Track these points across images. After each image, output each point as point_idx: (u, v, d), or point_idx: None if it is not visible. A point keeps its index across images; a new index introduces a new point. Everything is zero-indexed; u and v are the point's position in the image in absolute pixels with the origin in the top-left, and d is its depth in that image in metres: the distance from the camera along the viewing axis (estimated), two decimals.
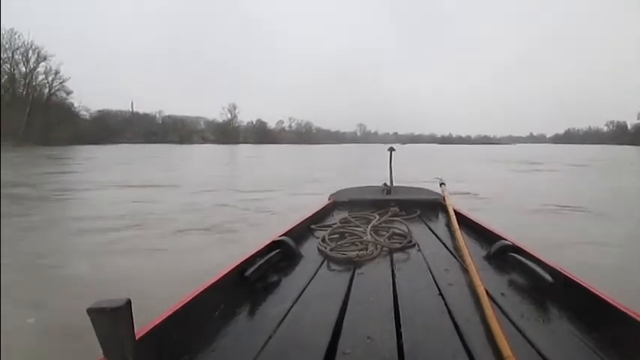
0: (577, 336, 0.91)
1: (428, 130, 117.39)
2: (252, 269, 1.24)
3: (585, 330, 0.93)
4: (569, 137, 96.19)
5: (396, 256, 1.55)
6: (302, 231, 1.92)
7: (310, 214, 2.17)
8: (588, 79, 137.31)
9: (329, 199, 2.73)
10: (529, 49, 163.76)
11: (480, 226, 1.87)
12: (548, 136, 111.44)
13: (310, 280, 1.28)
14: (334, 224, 1.95)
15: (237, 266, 1.23)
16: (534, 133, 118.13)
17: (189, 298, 0.97)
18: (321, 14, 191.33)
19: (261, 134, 77.39)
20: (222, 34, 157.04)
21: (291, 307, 1.07)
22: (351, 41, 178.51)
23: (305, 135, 79.90)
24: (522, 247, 1.42)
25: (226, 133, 74.60)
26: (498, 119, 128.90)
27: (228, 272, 1.17)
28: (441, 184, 2.80)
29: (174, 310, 0.91)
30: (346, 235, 1.77)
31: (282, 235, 1.58)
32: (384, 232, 1.82)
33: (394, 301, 1.10)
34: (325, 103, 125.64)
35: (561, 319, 1.00)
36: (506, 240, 1.52)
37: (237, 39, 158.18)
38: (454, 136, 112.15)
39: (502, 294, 1.15)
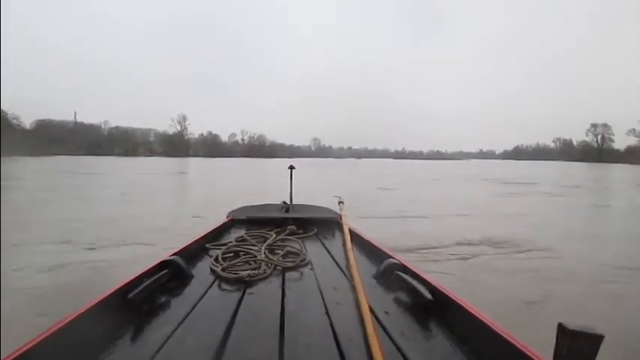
0: (451, 352, 0.96)
1: (381, 144, 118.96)
2: (136, 291, 1.17)
3: (458, 345, 0.98)
4: (518, 153, 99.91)
5: (288, 274, 1.54)
6: (195, 250, 1.84)
7: (206, 233, 2.10)
8: (537, 97, 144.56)
9: (227, 217, 2.65)
10: (478, 65, 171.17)
11: (372, 244, 1.89)
12: (497, 152, 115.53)
13: (198, 301, 1.25)
14: (230, 243, 1.92)
15: (120, 288, 1.18)
16: (484, 149, 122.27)
17: (64, 323, 0.93)
18: (279, 28, 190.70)
19: (212, 147, 74.55)
20: (180, 43, 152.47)
21: (176, 329, 1.04)
22: (306, 55, 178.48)
23: (258, 148, 77.71)
24: (408, 265, 1.47)
25: (174, 145, 71.23)
26: (449, 135, 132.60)
27: (110, 294, 1.13)
28: (340, 202, 2.74)
29: (46, 335, 0.88)
30: (241, 253, 1.73)
31: (172, 255, 1.53)
32: (279, 251, 1.79)
33: (281, 320, 1.10)
34: (280, 117, 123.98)
35: (438, 336, 1.04)
36: (394, 259, 1.55)
37: (192, 47, 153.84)
38: (407, 151, 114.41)
39: (386, 312, 1.17)
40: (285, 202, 2.91)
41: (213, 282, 1.44)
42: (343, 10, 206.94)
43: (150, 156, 65.43)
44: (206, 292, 1.34)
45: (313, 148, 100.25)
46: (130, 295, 1.16)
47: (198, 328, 1.06)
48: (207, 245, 1.95)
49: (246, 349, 0.94)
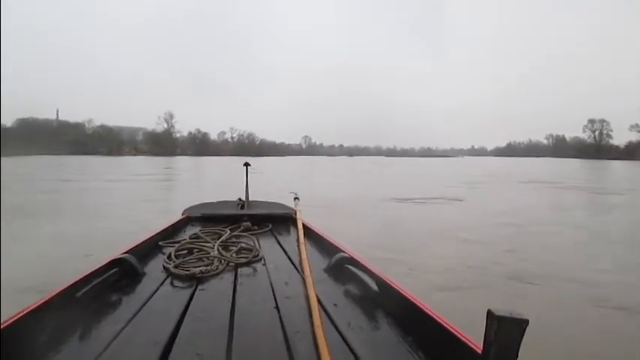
0: (394, 341, 1.00)
1: (372, 142, 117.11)
2: (84, 290, 1.18)
3: (402, 335, 1.02)
4: (511, 150, 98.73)
5: (241, 270, 1.55)
6: (148, 248, 1.82)
7: (160, 230, 2.06)
8: (527, 94, 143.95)
9: (182, 214, 2.60)
10: (470, 62, 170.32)
11: (324, 239, 1.90)
12: (489, 149, 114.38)
13: (149, 299, 1.24)
14: (183, 240, 1.89)
15: (68, 287, 1.17)
16: (475, 146, 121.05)
17: (5, 325, 0.93)
18: (267, 23, 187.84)
19: (201, 146, 71.92)
20: (170, 41, 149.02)
21: (124, 327, 1.04)
22: (298, 53, 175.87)
23: (247, 147, 75.15)
24: (357, 258, 1.49)
25: (160, 144, 68.52)
26: (439, 131, 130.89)
27: (57, 294, 1.12)
28: (295, 198, 2.76)
29: None
30: (194, 250, 1.73)
31: (124, 253, 1.51)
32: (233, 247, 1.79)
33: (231, 316, 1.11)
34: (271, 115, 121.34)
35: (383, 326, 1.08)
36: (344, 252, 1.57)
37: (179, 42, 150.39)
38: (398, 148, 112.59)
39: (335, 304, 1.20)
40: (240, 199, 2.85)
41: (164, 279, 1.42)
42: (337, 8, 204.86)
43: (135, 155, 63.01)
44: (157, 289, 1.32)
45: (304, 146, 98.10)
46: (78, 294, 1.15)
47: (147, 326, 1.05)
48: (160, 243, 1.89)
49: (196, 344, 0.94)
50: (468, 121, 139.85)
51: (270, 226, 2.35)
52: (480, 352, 0.72)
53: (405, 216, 8.20)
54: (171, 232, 2.18)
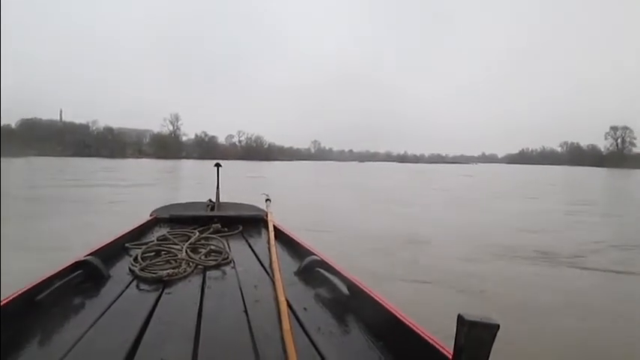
0: (364, 345, 0.98)
1: (382, 147, 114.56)
2: (45, 293, 1.14)
3: (372, 340, 1.00)
4: (524, 157, 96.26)
5: (209, 273, 1.51)
6: (114, 250, 1.74)
7: (126, 232, 1.99)
8: (539, 100, 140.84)
9: (150, 215, 2.51)
10: (485, 71, 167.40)
11: (295, 241, 1.87)
12: (499, 156, 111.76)
13: (113, 302, 1.20)
14: (151, 242, 1.84)
15: (28, 290, 1.13)
16: (486, 153, 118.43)
17: None
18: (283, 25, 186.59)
19: (207, 149, 69.70)
20: (179, 43, 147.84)
21: (87, 331, 1.00)
22: (309, 56, 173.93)
23: (255, 150, 72.92)
24: (328, 261, 1.46)
25: (165, 146, 66.51)
26: (450, 138, 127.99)
27: (15, 297, 1.07)
28: (267, 199, 2.63)
29: None
30: (162, 252, 1.67)
31: (88, 255, 1.46)
32: (202, 249, 1.74)
33: (198, 320, 1.08)
34: (279, 118, 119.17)
35: (353, 330, 1.06)
36: (315, 255, 1.55)
37: (189, 44, 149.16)
38: (409, 154, 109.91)
39: (304, 308, 1.17)
40: (211, 200, 2.79)
41: (130, 282, 1.38)
42: (347, 10, 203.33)
43: (138, 157, 61.14)
44: (122, 292, 1.28)
45: (313, 151, 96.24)
46: (38, 297, 1.12)
47: (110, 330, 1.02)
48: (127, 245, 1.84)
49: (160, 349, 0.92)
50: (477, 128, 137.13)
51: (241, 227, 2.28)
52: (450, 357, 0.72)
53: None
54: (138, 233, 2.08)
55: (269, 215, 2.34)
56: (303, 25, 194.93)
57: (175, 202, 2.80)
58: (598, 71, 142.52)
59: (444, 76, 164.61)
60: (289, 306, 1.11)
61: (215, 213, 2.51)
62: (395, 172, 34.17)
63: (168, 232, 2.02)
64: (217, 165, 2.86)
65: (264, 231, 2.26)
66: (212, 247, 1.74)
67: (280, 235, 1.99)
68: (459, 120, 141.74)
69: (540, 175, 33.78)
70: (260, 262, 1.66)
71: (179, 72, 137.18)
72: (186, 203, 2.79)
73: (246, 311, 1.13)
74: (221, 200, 2.78)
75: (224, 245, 1.80)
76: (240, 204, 2.80)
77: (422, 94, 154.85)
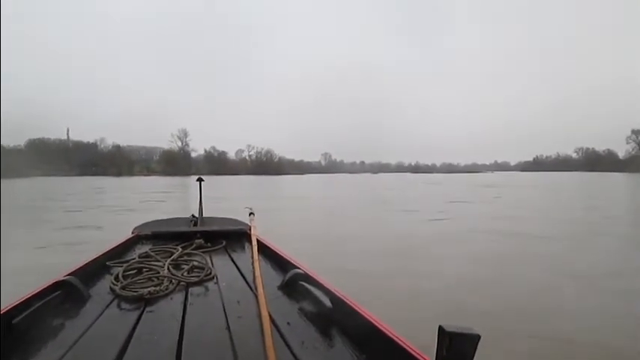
0: (348, 359, 0.96)
1: (394, 158, 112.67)
2: (22, 315, 1.12)
3: (356, 353, 0.98)
4: (538, 164, 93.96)
5: (192, 290, 1.48)
6: (94, 269, 1.71)
7: (107, 250, 1.97)
8: (556, 106, 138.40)
9: (132, 232, 2.48)
10: (493, 75, 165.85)
11: (279, 255, 1.85)
12: (512, 163, 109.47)
13: (92, 323, 1.18)
14: (132, 259, 1.79)
15: (5, 312, 1.10)
16: (498, 161, 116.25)
17: None
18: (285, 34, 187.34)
19: (217, 164, 68.49)
20: (187, 56, 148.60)
21: (65, 353, 0.98)
22: (317, 67, 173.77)
23: (266, 165, 71.54)
24: (312, 275, 1.43)
25: (174, 163, 65.40)
26: (461, 146, 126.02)
27: None
28: (250, 213, 2.63)
29: None
30: (144, 270, 1.63)
31: (68, 275, 1.44)
32: (185, 266, 1.71)
33: (179, 338, 1.07)
34: (289, 131, 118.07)
35: (337, 344, 1.04)
36: (299, 268, 1.52)
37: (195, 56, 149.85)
38: (421, 164, 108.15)
39: (288, 323, 1.16)
40: (193, 216, 2.77)
41: (111, 302, 1.35)
42: (356, 17, 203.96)
43: (146, 175, 60.05)
44: (102, 312, 1.26)
45: (324, 164, 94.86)
46: (15, 320, 1.10)
47: (90, 351, 1.01)
48: (107, 263, 1.79)
49: None
50: (489, 135, 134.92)
51: (224, 242, 2.25)
52: None
53: None
54: (119, 251, 2.06)
55: (252, 229, 2.30)
56: (310, 34, 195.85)
57: (157, 219, 2.74)
58: (610, 76, 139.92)
59: (453, 83, 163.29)
60: (272, 321, 1.11)
61: (198, 228, 2.47)
62: (418, 185, 31.91)
63: (150, 249, 1.99)
64: (200, 179, 2.93)
65: (247, 245, 2.22)
66: (195, 263, 1.71)
67: (264, 249, 1.96)
68: (469, 128, 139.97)
69: (571, 183, 31.57)
70: (243, 276, 1.64)
71: (187, 84, 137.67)
72: (169, 219, 2.76)
73: (228, 328, 1.12)
74: (204, 215, 2.77)
75: (207, 261, 1.78)
76: (224, 218, 2.78)
77: (431, 104, 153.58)
